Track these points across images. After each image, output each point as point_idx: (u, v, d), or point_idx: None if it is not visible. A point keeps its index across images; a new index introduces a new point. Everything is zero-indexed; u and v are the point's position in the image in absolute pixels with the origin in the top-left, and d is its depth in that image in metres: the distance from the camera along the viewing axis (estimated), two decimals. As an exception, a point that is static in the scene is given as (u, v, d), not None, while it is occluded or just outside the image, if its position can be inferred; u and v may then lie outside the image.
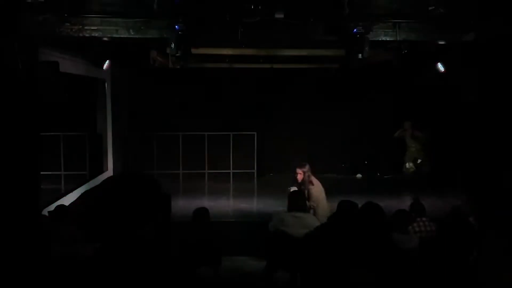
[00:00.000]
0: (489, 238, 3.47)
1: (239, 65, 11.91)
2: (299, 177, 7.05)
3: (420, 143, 11.27)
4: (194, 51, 8.51)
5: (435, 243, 3.40)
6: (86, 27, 7.32)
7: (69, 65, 9.25)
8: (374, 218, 3.45)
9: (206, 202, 9.49)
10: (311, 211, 6.71)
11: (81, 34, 7.32)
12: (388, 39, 7.79)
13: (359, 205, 4.06)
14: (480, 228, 3.29)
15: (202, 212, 6.27)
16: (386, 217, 3.53)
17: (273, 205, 10.22)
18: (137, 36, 7.50)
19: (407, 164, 11.39)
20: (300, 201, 5.95)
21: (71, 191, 9.61)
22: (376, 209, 3.50)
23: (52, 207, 6.48)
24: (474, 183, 8.58)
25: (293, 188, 6.79)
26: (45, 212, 6.33)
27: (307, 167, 7.09)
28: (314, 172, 7.30)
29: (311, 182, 7.07)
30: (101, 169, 11.84)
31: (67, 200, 8.83)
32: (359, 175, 13.17)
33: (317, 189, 7.10)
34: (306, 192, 6.91)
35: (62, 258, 4.48)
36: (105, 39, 8.01)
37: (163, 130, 12.82)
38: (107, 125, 12.09)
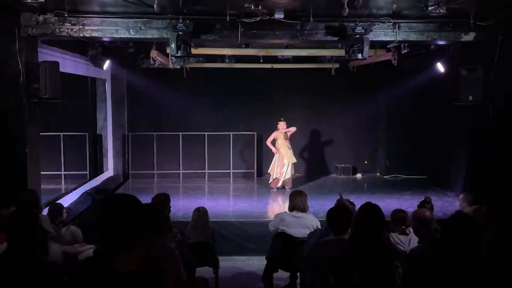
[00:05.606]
0: (492, 234, 3.46)
1: (239, 65, 11.92)
2: None
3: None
4: (194, 51, 8.50)
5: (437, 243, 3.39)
6: (86, 27, 7.32)
7: (69, 65, 9.25)
8: (372, 218, 3.43)
9: (206, 202, 9.49)
10: None
11: (81, 34, 7.33)
12: (388, 39, 7.80)
13: (357, 206, 4.05)
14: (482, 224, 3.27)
15: (201, 211, 6.26)
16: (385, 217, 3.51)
17: (273, 205, 10.24)
18: (137, 36, 7.51)
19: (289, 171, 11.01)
20: (300, 201, 5.92)
21: (71, 191, 9.61)
22: (374, 210, 3.48)
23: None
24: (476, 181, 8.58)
25: None
26: (45, 212, 6.33)
27: None
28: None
29: None
30: (101, 169, 11.85)
31: (67, 200, 8.83)
32: (359, 175, 13.16)
33: None
34: None
35: (62, 258, 4.49)
36: (105, 39, 8.02)
37: (163, 130, 12.82)
38: (107, 125, 12.09)
